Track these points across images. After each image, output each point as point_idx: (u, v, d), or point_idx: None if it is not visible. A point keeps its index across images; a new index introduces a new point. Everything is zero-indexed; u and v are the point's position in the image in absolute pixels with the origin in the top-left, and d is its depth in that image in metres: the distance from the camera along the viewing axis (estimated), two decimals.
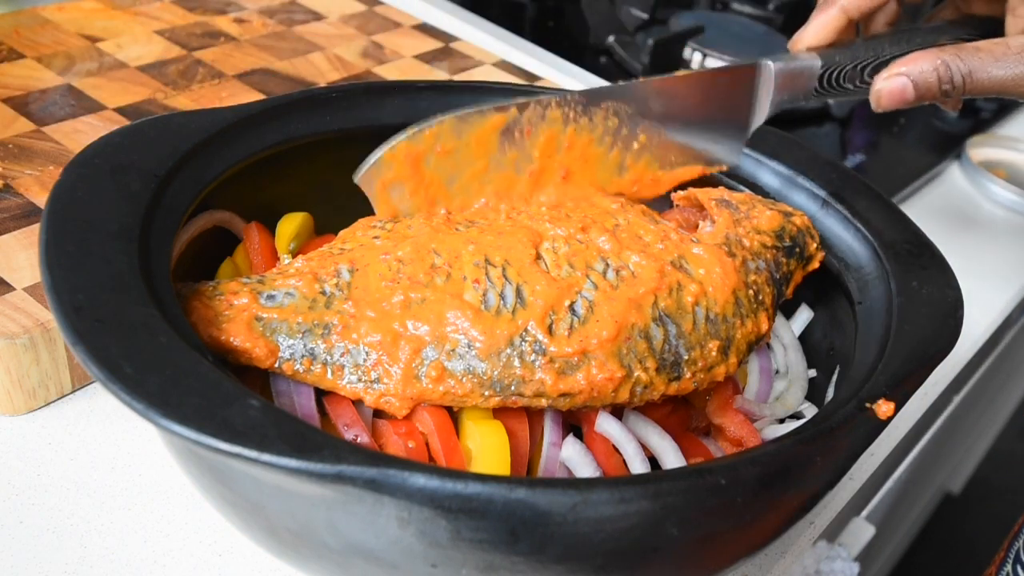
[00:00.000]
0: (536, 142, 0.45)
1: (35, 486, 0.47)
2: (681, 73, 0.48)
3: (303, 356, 0.41)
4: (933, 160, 0.96)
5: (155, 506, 0.47)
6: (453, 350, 0.41)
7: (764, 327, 0.48)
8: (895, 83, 0.50)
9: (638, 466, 0.44)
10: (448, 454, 0.41)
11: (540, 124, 0.45)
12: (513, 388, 0.41)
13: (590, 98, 0.47)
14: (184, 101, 0.71)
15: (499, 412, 0.43)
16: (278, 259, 0.51)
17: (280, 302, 0.42)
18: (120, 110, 0.68)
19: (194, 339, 0.37)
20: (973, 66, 0.49)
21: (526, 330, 0.42)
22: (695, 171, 0.51)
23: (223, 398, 0.33)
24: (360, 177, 0.45)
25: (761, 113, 0.52)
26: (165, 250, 0.41)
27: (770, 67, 0.50)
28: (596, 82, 0.94)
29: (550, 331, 0.42)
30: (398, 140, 0.44)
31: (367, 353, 0.41)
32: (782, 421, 0.51)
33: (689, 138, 0.50)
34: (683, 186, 0.55)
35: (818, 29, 0.55)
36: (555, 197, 0.47)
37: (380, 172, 0.45)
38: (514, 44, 0.96)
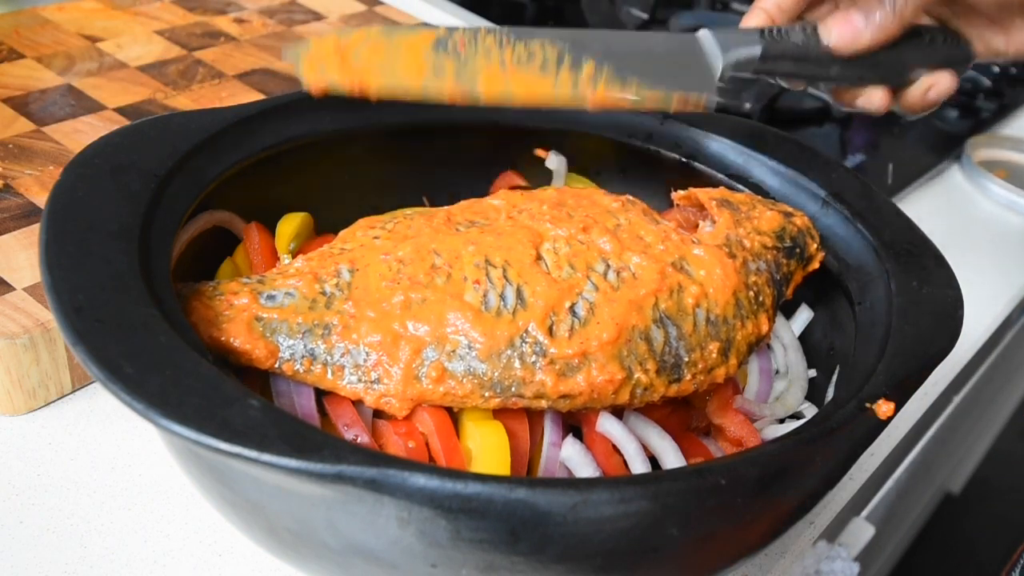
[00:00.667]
0: (472, 55, 0.43)
1: (35, 486, 0.47)
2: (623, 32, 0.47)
3: (303, 356, 0.41)
4: (933, 160, 0.96)
5: (155, 506, 0.47)
6: (453, 351, 0.41)
7: (764, 328, 0.47)
8: (841, 15, 0.49)
9: (639, 466, 0.44)
10: (448, 454, 0.41)
11: (473, 42, 0.43)
12: (513, 389, 0.41)
13: (521, 32, 0.45)
14: (184, 101, 0.71)
15: (499, 412, 0.43)
16: (278, 259, 0.51)
17: (280, 302, 0.42)
18: (120, 110, 0.68)
19: (194, 339, 0.37)
20: None
21: (526, 331, 0.42)
22: (666, 101, 0.48)
23: (223, 398, 0.33)
24: (287, 52, 0.44)
25: (708, 82, 0.50)
26: (165, 250, 0.41)
27: (708, 35, 0.50)
28: None
29: (550, 332, 0.42)
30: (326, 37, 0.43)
31: (367, 353, 0.41)
32: (782, 421, 0.51)
33: (646, 71, 0.47)
34: (683, 186, 0.55)
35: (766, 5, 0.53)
36: (492, 100, 0.44)
37: (308, 50, 0.43)
38: None
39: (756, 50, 0.50)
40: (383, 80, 0.43)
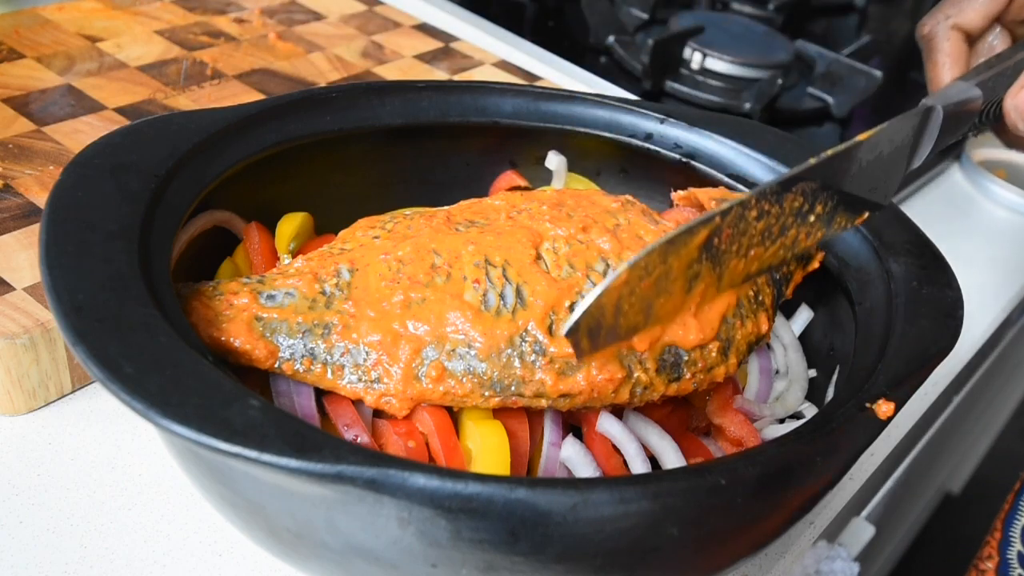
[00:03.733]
0: (731, 246, 0.42)
1: (35, 486, 0.47)
2: (863, 137, 0.45)
3: (303, 356, 0.41)
4: (933, 160, 0.95)
5: (155, 506, 0.47)
6: (453, 350, 0.41)
7: (764, 328, 0.47)
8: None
9: (639, 466, 0.44)
10: (448, 454, 0.41)
11: (739, 226, 0.42)
12: (513, 388, 0.41)
13: (785, 186, 0.43)
14: (184, 101, 0.71)
15: (499, 412, 0.43)
16: (278, 259, 0.51)
17: (280, 302, 0.42)
18: (120, 110, 0.68)
19: (194, 339, 0.37)
20: None
21: (526, 330, 0.42)
22: (850, 226, 0.49)
23: (223, 398, 0.33)
24: (567, 330, 0.38)
25: (922, 155, 0.49)
26: (165, 250, 0.41)
27: (939, 111, 0.48)
28: (596, 82, 0.94)
29: (550, 331, 0.42)
30: (612, 280, 0.38)
31: (367, 353, 0.41)
32: (782, 421, 0.51)
33: (855, 194, 0.47)
34: (683, 186, 0.55)
35: (950, 58, 0.52)
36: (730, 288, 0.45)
37: (585, 321, 0.38)
38: (514, 44, 0.96)
39: (965, 130, 0.49)
40: (642, 329, 0.41)
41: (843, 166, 0.44)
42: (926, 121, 0.48)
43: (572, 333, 0.37)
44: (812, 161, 0.43)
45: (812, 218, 0.45)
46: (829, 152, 0.43)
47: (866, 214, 0.48)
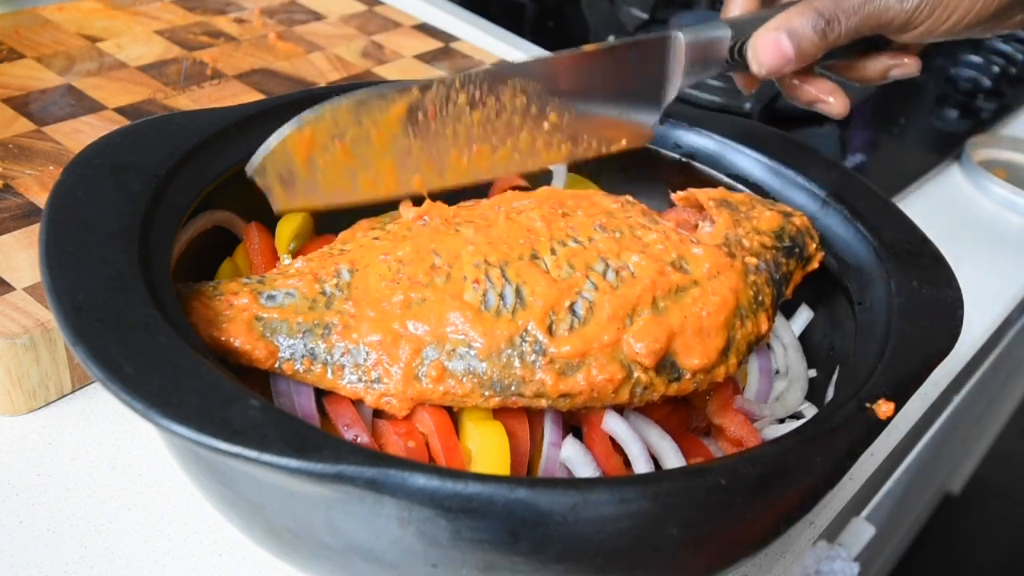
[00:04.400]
0: (442, 126, 0.42)
1: (35, 486, 0.47)
2: (589, 48, 0.46)
3: (303, 356, 0.41)
4: (933, 160, 0.96)
5: (155, 506, 0.47)
6: (453, 350, 0.41)
7: (764, 327, 0.47)
8: (770, 37, 0.48)
9: (642, 466, 0.44)
10: (448, 454, 0.41)
11: (445, 106, 0.42)
12: (513, 388, 0.41)
13: (495, 76, 0.44)
14: (184, 101, 0.71)
15: (499, 412, 0.43)
16: (278, 259, 0.51)
17: (280, 302, 0.42)
18: (120, 110, 0.68)
19: (194, 339, 0.37)
20: (847, 6, 0.47)
21: (526, 330, 0.42)
22: (609, 148, 0.49)
23: (223, 398, 0.33)
24: (251, 167, 0.41)
25: (673, 86, 0.50)
26: (165, 250, 0.41)
27: (679, 38, 0.48)
28: None
29: (550, 331, 0.42)
30: (290, 129, 0.40)
31: (367, 353, 0.41)
32: (782, 421, 0.51)
33: (601, 115, 0.47)
34: (683, 186, 0.55)
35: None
36: (456, 183, 0.44)
37: (274, 163, 0.40)
38: (514, 44, 0.96)
39: (716, 67, 0.50)
40: (350, 198, 0.43)
41: (567, 72, 0.44)
42: (667, 48, 0.48)
43: (259, 174, 0.39)
44: (527, 59, 0.44)
45: (547, 125, 0.45)
46: (550, 54, 0.44)
47: (623, 142, 0.48)
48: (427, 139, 0.42)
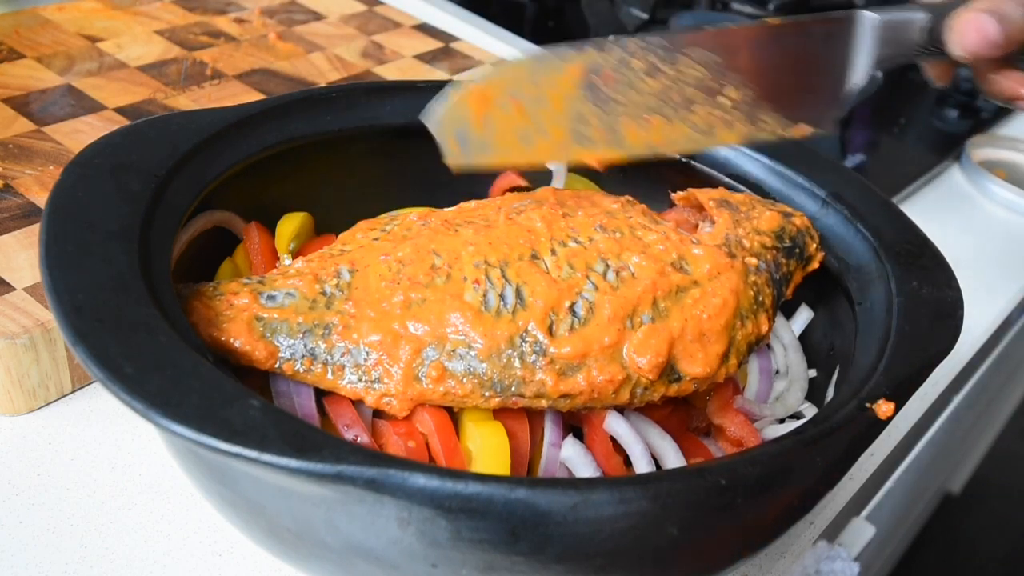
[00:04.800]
0: (617, 93, 0.40)
1: (35, 486, 0.47)
2: (773, 20, 0.43)
3: (303, 356, 0.41)
4: (933, 160, 0.96)
5: (155, 506, 0.47)
6: (453, 351, 0.41)
7: (764, 328, 0.47)
8: (976, 18, 0.44)
9: (644, 467, 0.44)
10: (448, 454, 0.41)
11: (622, 72, 0.40)
12: (513, 389, 0.41)
13: (673, 43, 0.41)
14: (184, 101, 0.71)
15: (499, 413, 0.43)
16: (278, 259, 0.51)
17: (280, 302, 0.42)
18: (120, 110, 0.68)
19: (194, 339, 0.37)
20: None
21: (526, 331, 0.42)
22: (790, 132, 0.46)
23: (223, 398, 0.33)
24: (427, 115, 0.40)
25: (860, 71, 0.46)
26: (165, 250, 0.41)
27: (870, 18, 0.45)
28: None
29: (550, 332, 0.42)
30: (469, 83, 0.39)
31: (367, 353, 0.41)
32: (782, 421, 0.51)
33: (780, 97, 0.44)
34: (683, 186, 0.55)
35: None
36: (630, 155, 0.43)
37: (448, 111, 0.39)
38: (514, 44, 0.96)
39: (909, 52, 0.46)
40: (521, 159, 0.42)
41: (748, 45, 0.42)
42: (854, 27, 0.45)
43: (436, 125, 0.38)
44: (709, 28, 0.41)
45: (724, 100, 0.43)
46: (729, 25, 0.42)
47: (804, 127, 0.45)
48: (602, 104, 0.40)
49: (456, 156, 0.41)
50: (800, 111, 0.45)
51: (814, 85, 0.45)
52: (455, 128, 0.39)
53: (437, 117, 0.39)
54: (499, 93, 0.38)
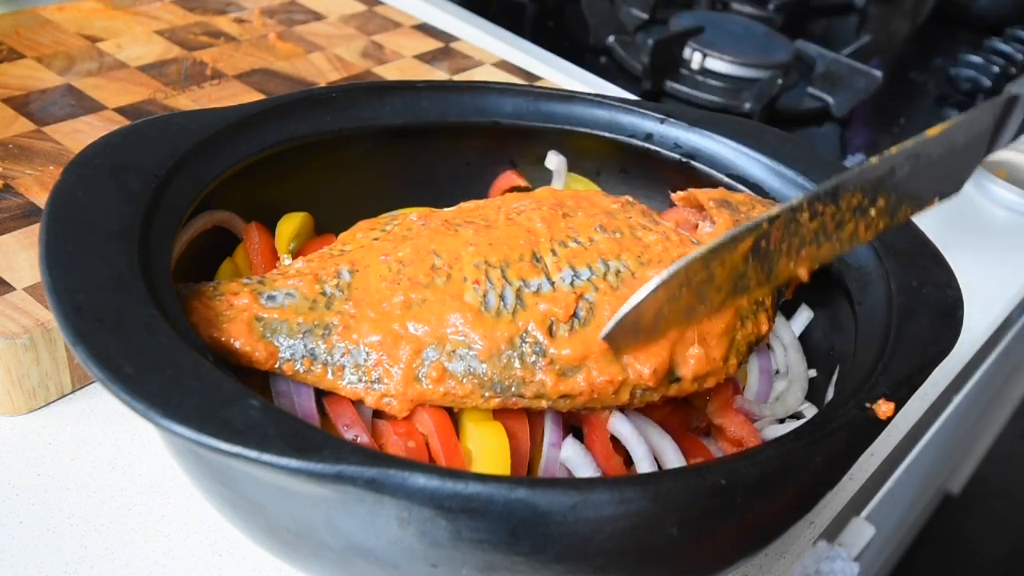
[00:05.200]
0: (781, 247, 0.40)
1: (35, 486, 0.47)
2: (933, 131, 0.43)
3: (303, 356, 0.41)
4: None
5: (155, 506, 0.47)
6: (453, 351, 0.41)
7: (764, 328, 0.47)
8: None
9: (646, 467, 0.44)
10: (448, 455, 0.41)
11: (789, 227, 0.41)
12: (513, 389, 0.41)
13: (839, 188, 0.42)
14: (184, 101, 0.71)
15: (499, 413, 0.43)
16: (278, 259, 0.51)
17: (281, 302, 0.42)
18: (120, 110, 0.68)
19: (194, 340, 0.37)
20: None
21: (526, 331, 0.42)
22: (923, 210, 0.46)
23: (223, 398, 0.33)
24: (606, 334, 0.40)
25: (1004, 141, 0.46)
26: (165, 250, 0.41)
27: (1022, 98, 0.45)
28: (596, 82, 0.94)
29: (550, 333, 0.42)
30: (649, 291, 0.39)
31: (367, 353, 0.41)
32: (782, 421, 0.51)
33: (924, 185, 0.44)
34: (683, 186, 0.55)
35: None
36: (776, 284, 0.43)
37: (626, 326, 0.39)
38: (514, 44, 0.96)
39: None
40: (685, 325, 0.42)
41: (906, 163, 0.43)
42: (1009, 109, 0.45)
43: (610, 338, 0.39)
44: (873, 160, 0.41)
45: (873, 212, 0.43)
46: (894, 150, 0.42)
47: (935, 200, 0.45)
48: (763, 260, 0.41)
49: (627, 349, 0.42)
50: (933, 194, 0.45)
51: (956, 163, 0.45)
52: (627, 332, 0.39)
53: (612, 330, 0.39)
54: (673, 289, 0.39)
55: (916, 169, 0.43)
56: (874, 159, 0.42)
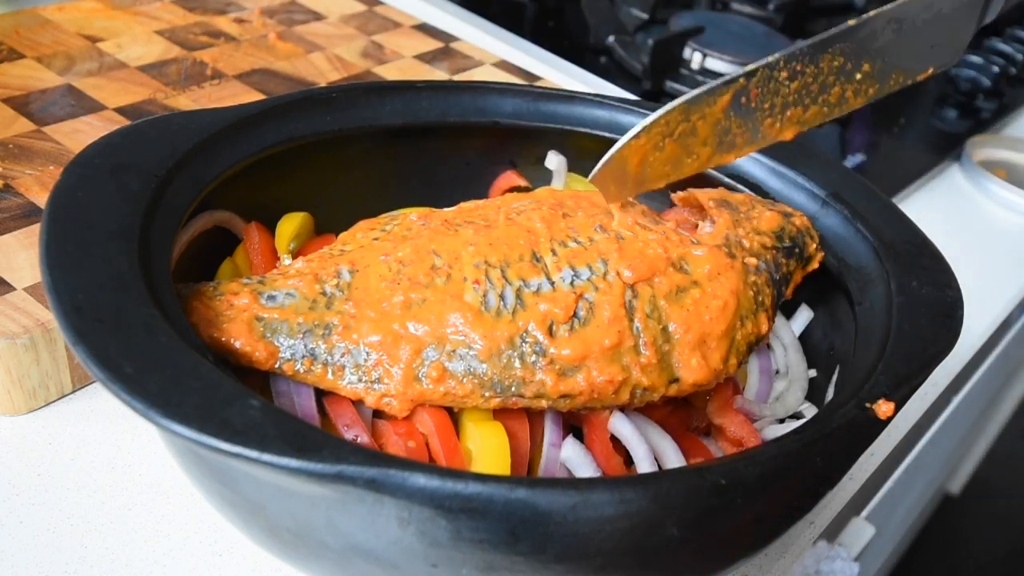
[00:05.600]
0: (761, 103, 0.42)
1: (35, 486, 0.47)
2: None
3: (304, 356, 0.41)
4: (933, 160, 0.96)
5: (155, 506, 0.47)
6: (453, 351, 0.41)
7: (764, 328, 0.47)
8: None
9: (647, 468, 0.44)
10: (448, 454, 0.41)
11: (767, 85, 0.42)
12: (513, 389, 0.41)
13: (817, 48, 0.43)
14: (184, 101, 0.71)
15: (499, 413, 0.43)
16: (278, 259, 0.51)
17: (281, 302, 0.42)
18: (120, 110, 0.68)
19: (194, 339, 0.37)
20: None
21: (526, 331, 0.42)
22: (915, 79, 0.46)
23: (223, 398, 0.33)
24: (594, 178, 0.44)
25: (993, 12, 0.46)
26: (165, 250, 0.41)
27: None
28: (596, 82, 0.94)
29: (550, 333, 0.42)
30: (629, 138, 0.42)
31: (368, 353, 0.41)
32: (782, 421, 0.51)
33: (913, 52, 0.45)
34: (682, 186, 0.55)
35: None
36: (765, 144, 0.45)
37: (610, 170, 0.43)
38: (514, 44, 0.96)
39: None
40: (673, 178, 0.45)
41: (887, 27, 0.43)
42: None
43: (598, 180, 0.42)
44: (851, 23, 0.42)
45: (859, 76, 0.44)
46: (872, 13, 0.43)
47: (930, 70, 0.46)
48: (746, 116, 0.43)
49: (616, 196, 0.45)
50: (929, 55, 0.46)
51: (946, 28, 0.45)
52: (615, 176, 0.43)
53: (597, 173, 0.43)
54: (656, 138, 0.42)
55: (900, 34, 0.43)
56: (852, 21, 0.43)
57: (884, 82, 0.45)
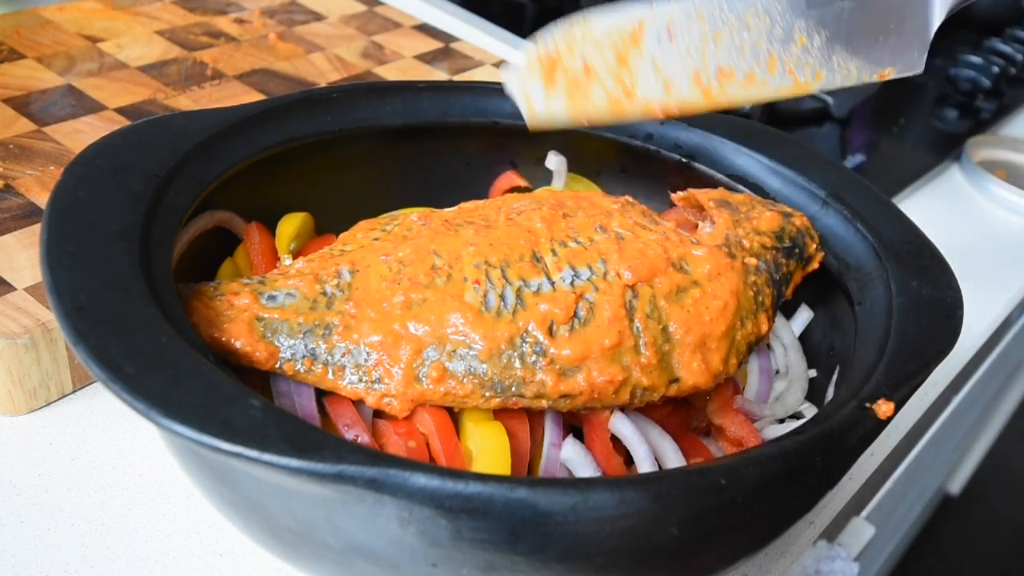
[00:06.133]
0: (683, 46, 0.41)
1: (35, 486, 0.47)
2: None
3: (304, 356, 0.41)
4: (933, 160, 0.96)
5: (155, 506, 0.47)
6: (454, 351, 0.41)
7: (764, 328, 0.48)
8: None
9: (647, 468, 0.44)
10: (449, 454, 0.41)
11: (686, 26, 0.41)
12: (514, 389, 0.41)
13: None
14: (184, 101, 0.71)
15: (499, 413, 0.43)
16: (278, 259, 0.51)
17: (281, 303, 0.42)
18: (120, 110, 0.68)
19: (195, 339, 0.37)
20: None
21: (527, 331, 0.42)
22: (872, 77, 0.45)
23: (224, 398, 0.33)
24: (506, 80, 0.44)
25: (942, 6, 0.45)
26: (166, 250, 0.41)
27: None
28: None
29: (551, 333, 0.42)
30: (535, 46, 0.42)
31: (368, 353, 0.41)
32: (782, 421, 0.51)
33: (856, 38, 0.43)
34: (683, 186, 0.55)
35: None
36: (701, 105, 0.44)
37: (522, 75, 0.43)
38: (514, 44, 0.96)
39: None
40: (594, 116, 0.44)
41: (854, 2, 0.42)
42: None
43: (511, 87, 0.42)
44: None
45: (795, 48, 0.43)
46: None
47: (888, 69, 0.45)
48: (668, 56, 0.42)
49: (534, 118, 0.44)
50: (882, 54, 0.45)
51: (890, 24, 0.44)
52: (529, 90, 0.42)
53: (511, 80, 0.42)
54: (567, 54, 0.41)
55: (864, 10, 0.42)
56: None
57: (829, 66, 0.44)
